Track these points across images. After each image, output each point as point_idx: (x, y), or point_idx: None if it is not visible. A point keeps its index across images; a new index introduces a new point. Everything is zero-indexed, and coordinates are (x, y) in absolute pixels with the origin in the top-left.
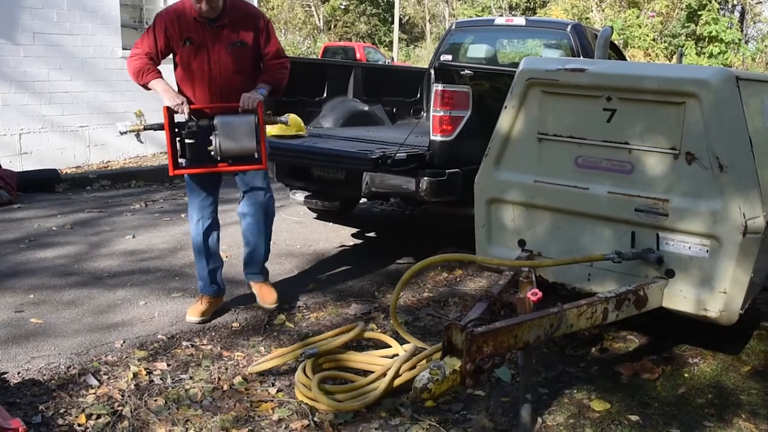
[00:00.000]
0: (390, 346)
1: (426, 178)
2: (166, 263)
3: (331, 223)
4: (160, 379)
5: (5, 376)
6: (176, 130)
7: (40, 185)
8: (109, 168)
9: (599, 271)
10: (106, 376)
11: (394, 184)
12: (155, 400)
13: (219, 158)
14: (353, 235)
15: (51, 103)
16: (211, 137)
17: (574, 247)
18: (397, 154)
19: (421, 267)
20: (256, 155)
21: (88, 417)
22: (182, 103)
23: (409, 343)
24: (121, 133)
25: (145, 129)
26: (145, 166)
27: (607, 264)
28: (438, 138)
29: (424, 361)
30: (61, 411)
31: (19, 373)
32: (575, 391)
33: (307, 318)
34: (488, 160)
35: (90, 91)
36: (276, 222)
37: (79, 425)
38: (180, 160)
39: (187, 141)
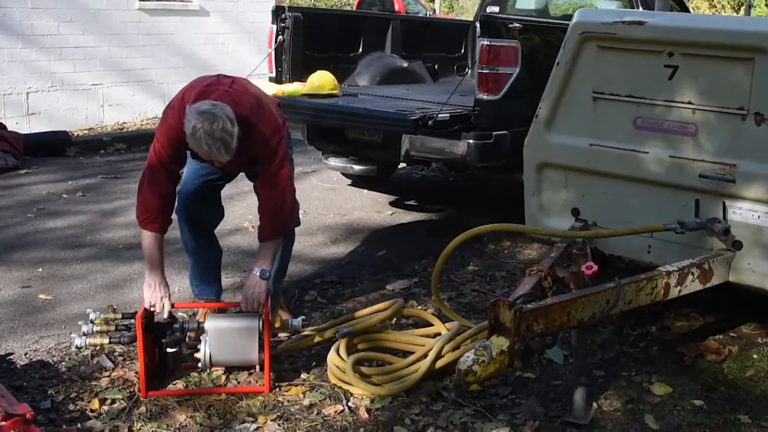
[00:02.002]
0: (432, 325)
1: (471, 140)
2: None
3: (366, 191)
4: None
5: (11, 357)
6: (154, 334)
7: (49, 148)
8: (124, 130)
9: (660, 242)
10: (122, 358)
11: (436, 148)
12: (175, 384)
13: (207, 370)
14: (391, 203)
15: (61, 59)
16: (198, 345)
17: (632, 216)
18: (440, 115)
19: (465, 238)
20: (258, 368)
21: (102, 402)
22: (162, 299)
23: (452, 321)
24: (78, 348)
25: (111, 343)
26: None
27: (668, 235)
28: (484, 97)
29: (469, 341)
30: (72, 395)
31: (26, 354)
32: (634, 373)
33: (341, 294)
34: (539, 122)
35: (104, 46)
36: (307, 189)
37: (91, 411)
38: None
39: (169, 350)
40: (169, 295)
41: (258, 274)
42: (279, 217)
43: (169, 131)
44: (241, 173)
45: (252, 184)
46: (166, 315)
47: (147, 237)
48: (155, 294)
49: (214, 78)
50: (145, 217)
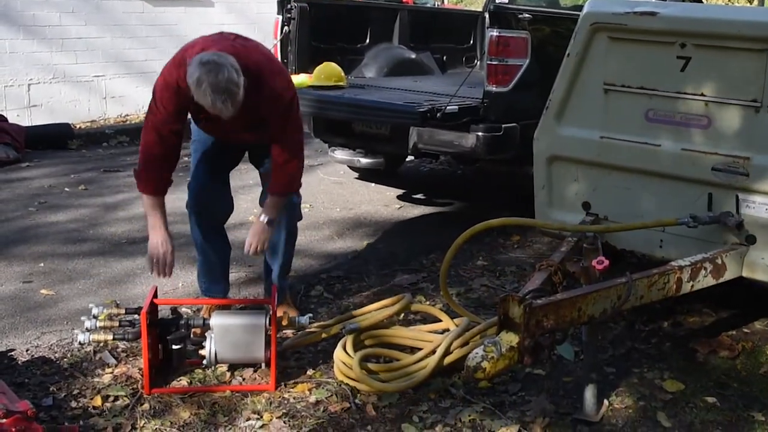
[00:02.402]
0: (440, 321)
1: (480, 133)
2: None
3: (374, 184)
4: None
5: (13, 353)
6: (158, 330)
7: (51, 141)
8: (127, 122)
9: (672, 236)
10: (125, 354)
11: (445, 140)
12: (179, 381)
13: (212, 366)
14: (399, 197)
15: (63, 50)
16: (203, 341)
17: (644, 210)
18: (448, 107)
19: (474, 233)
20: (263, 365)
21: (105, 399)
22: (165, 253)
23: (461, 316)
24: (80, 344)
25: (114, 339)
26: None
27: (681, 229)
28: (493, 89)
29: (478, 337)
30: (75, 392)
31: (27, 350)
32: (645, 370)
33: (347, 289)
34: (549, 114)
35: (106, 38)
36: (314, 183)
37: (94, 408)
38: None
39: (173, 347)
40: (172, 251)
41: (265, 221)
42: (292, 171)
43: (168, 86)
44: (244, 160)
45: (257, 175)
46: (167, 273)
47: (146, 198)
48: (158, 249)
49: (216, 34)
50: (142, 179)
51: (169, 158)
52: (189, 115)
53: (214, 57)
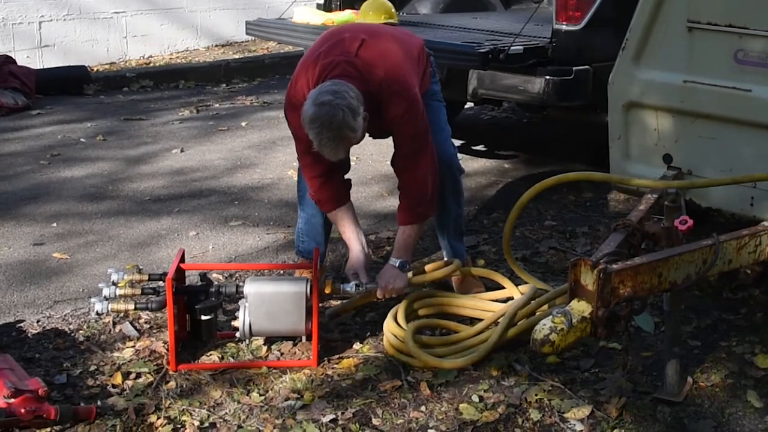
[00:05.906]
0: (503, 288)
1: (548, 77)
2: (223, 184)
3: None
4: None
5: (22, 325)
6: (185, 299)
7: (65, 86)
8: (150, 65)
9: (765, 193)
10: (148, 326)
11: (508, 85)
12: (209, 356)
13: (246, 340)
14: (457, 149)
15: None
16: (237, 312)
17: (733, 163)
18: (512, 48)
19: (541, 189)
20: (303, 338)
21: (126, 376)
22: (361, 269)
23: (526, 283)
24: (98, 314)
25: (136, 309)
26: (197, 62)
27: None
28: (563, 27)
29: (546, 307)
30: (92, 369)
31: (38, 321)
32: (734, 343)
33: None
34: (626, 55)
35: None
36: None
37: (113, 386)
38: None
39: (203, 318)
40: (368, 260)
41: (397, 265)
42: (420, 203)
43: (293, 107)
44: None
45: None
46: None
47: (335, 214)
48: (353, 266)
49: (339, 39)
50: (318, 200)
51: (331, 172)
52: None
53: (330, 96)
